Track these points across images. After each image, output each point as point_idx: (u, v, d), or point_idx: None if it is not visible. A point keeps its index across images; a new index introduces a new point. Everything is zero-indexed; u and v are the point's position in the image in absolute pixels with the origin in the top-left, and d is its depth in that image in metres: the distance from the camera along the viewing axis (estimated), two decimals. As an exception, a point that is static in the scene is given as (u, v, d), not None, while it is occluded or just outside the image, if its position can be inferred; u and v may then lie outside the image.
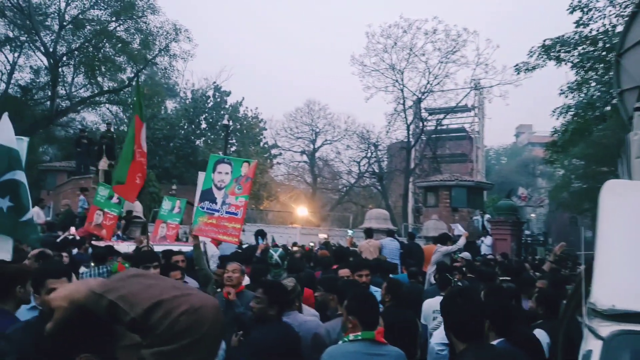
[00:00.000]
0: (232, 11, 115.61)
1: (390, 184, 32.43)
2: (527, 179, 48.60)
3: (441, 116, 30.12)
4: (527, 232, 18.92)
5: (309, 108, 37.12)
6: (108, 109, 27.73)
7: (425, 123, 29.22)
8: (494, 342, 2.84)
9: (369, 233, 9.19)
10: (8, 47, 23.31)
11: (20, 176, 4.64)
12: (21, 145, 5.06)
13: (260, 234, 9.28)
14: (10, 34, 22.88)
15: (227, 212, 5.85)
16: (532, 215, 40.74)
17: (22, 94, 24.00)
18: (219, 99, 30.33)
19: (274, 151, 35.02)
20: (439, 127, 30.55)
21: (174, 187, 19.98)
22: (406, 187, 28.16)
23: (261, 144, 32.11)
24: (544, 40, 13.69)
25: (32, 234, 4.71)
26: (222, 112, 29.32)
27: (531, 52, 14.04)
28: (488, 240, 15.80)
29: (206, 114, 29.85)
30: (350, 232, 9.72)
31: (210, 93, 30.56)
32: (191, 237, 4.96)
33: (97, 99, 25.65)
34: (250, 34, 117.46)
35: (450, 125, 33.15)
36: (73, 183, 16.07)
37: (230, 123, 26.05)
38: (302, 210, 30.34)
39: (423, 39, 27.09)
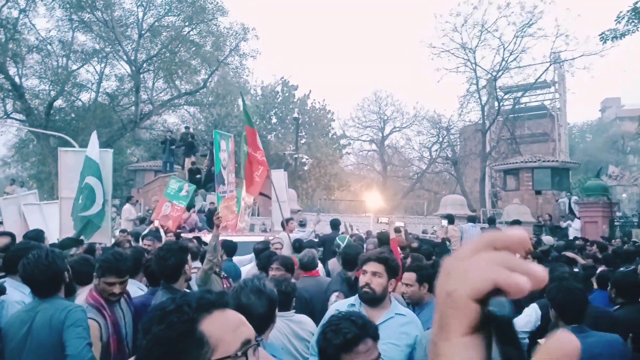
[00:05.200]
0: (296, 6, 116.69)
1: (464, 169, 31.34)
2: (616, 157, 44.69)
3: (519, 94, 28.53)
4: (618, 213, 17.48)
5: (376, 96, 36.75)
6: (186, 110, 29.29)
7: (501, 103, 27.83)
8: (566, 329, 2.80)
9: (452, 219, 9.01)
10: (96, 59, 25.31)
11: (92, 181, 5.93)
12: (108, 156, 6.49)
13: (335, 223, 9.42)
14: (97, 47, 24.83)
15: (230, 191, 6.10)
16: (624, 195, 37.46)
17: (110, 100, 25.99)
18: (287, 94, 30.92)
19: (342, 141, 35.13)
20: (516, 106, 28.96)
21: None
22: (483, 170, 27.06)
23: (330, 134, 32.33)
24: (635, 3, 12.49)
25: (87, 227, 5.93)
26: (290, 106, 29.88)
27: (619, 17, 12.87)
28: (576, 223, 14.84)
29: (276, 109, 30.57)
30: (444, 222, 9.39)
31: (279, 88, 31.22)
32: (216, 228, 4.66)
33: (176, 101, 27.17)
34: (315, 28, 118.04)
35: (529, 104, 31.28)
36: (160, 181, 17.21)
37: (300, 116, 26.47)
38: (373, 199, 30.22)
39: (495, 13, 25.77)
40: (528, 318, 3.53)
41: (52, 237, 6.06)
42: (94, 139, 6.32)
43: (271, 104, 30.28)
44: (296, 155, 23.79)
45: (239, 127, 27.30)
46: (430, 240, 8.88)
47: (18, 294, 2.73)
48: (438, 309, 0.33)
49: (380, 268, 2.62)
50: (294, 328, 2.75)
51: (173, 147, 17.79)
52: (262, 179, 6.25)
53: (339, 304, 2.78)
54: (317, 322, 3.48)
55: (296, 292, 3.16)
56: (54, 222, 6.78)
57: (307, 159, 25.98)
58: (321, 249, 7.62)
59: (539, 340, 3.03)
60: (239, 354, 0.91)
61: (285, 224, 8.09)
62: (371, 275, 2.60)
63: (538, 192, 17.93)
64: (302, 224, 10.79)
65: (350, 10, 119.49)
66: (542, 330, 3.47)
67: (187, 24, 24.76)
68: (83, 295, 3.08)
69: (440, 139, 32.99)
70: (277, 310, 2.13)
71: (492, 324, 0.29)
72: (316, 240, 8.61)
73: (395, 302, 2.66)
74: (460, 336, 0.30)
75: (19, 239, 4.82)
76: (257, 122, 29.40)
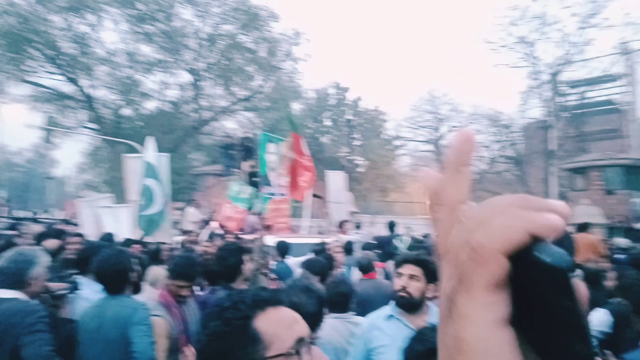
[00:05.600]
0: (346, 7, 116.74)
1: (528, 168, 29.94)
2: (698, 153, 40.87)
3: (584, 89, 26.94)
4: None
5: (431, 96, 36.01)
6: (243, 115, 30.15)
7: (565, 98, 26.39)
8: None
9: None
10: (159, 68, 26.65)
11: (150, 182, 6.45)
12: (164, 159, 6.95)
13: (392, 225, 9.33)
14: (159, 57, 26.15)
15: (280, 194, 6.09)
16: None
17: (173, 108, 27.25)
18: (341, 96, 31.03)
19: (397, 142, 34.72)
20: (582, 102, 27.35)
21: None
22: (546, 170, 25.73)
23: (384, 136, 32.08)
24: None
25: (149, 226, 6.42)
26: (342, 108, 29.96)
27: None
28: (654, 225, 13.77)
29: (330, 112, 30.76)
30: None
31: (331, 91, 31.40)
32: (264, 229, 4.57)
33: (233, 107, 28.03)
34: (364, 28, 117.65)
35: (596, 98, 29.41)
36: (221, 184, 17.82)
37: (353, 118, 26.46)
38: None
39: (556, 5, 24.46)
40: (601, 318, 3.38)
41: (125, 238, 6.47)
42: (150, 144, 6.84)
43: (324, 107, 30.49)
44: (350, 158, 23.78)
45: (294, 129, 27.69)
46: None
47: (88, 290, 2.92)
48: (455, 260, 0.28)
49: (417, 271, 2.43)
50: (352, 329, 2.73)
51: (232, 151, 18.37)
52: (309, 184, 6.31)
53: (374, 315, 2.59)
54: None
55: (354, 293, 3.15)
56: (126, 224, 7.25)
57: (361, 160, 25.89)
58: (379, 250, 7.55)
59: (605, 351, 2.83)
60: (293, 351, 0.91)
61: (340, 225, 8.09)
62: (408, 279, 2.42)
63: (609, 192, 16.79)
64: (358, 226, 10.75)
65: (400, 8, 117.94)
66: (615, 339, 3.27)
67: (242, 31, 25.51)
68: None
69: (501, 137, 31.78)
70: (325, 309, 2.13)
71: (544, 275, 0.26)
72: (374, 242, 8.55)
73: (433, 307, 2.50)
74: (483, 292, 0.27)
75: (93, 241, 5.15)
76: (311, 125, 29.74)
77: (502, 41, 25.76)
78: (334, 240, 6.49)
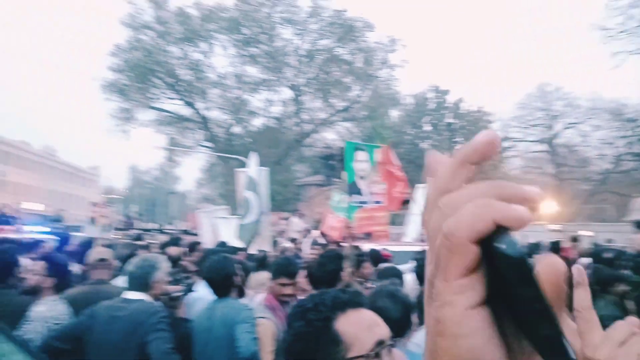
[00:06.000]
0: (441, 8, 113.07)
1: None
2: None
3: None
4: None
5: (542, 91, 33.34)
6: (342, 125, 30.71)
7: None
8: None
9: (641, 225, 7.67)
10: (263, 87, 28.30)
11: (249, 194, 7.20)
12: (264, 173, 7.64)
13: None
14: (264, 76, 27.76)
15: (375, 202, 5.87)
16: None
17: (277, 123, 28.69)
18: (440, 99, 30.15)
19: (505, 144, 32.65)
20: None
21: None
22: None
23: (489, 138, 30.44)
24: None
25: (245, 234, 7.09)
26: (443, 112, 29.05)
27: None
28: None
29: (429, 116, 30.02)
30: None
31: (430, 95, 30.63)
32: (350, 238, 4.50)
33: (332, 118, 28.69)
34: (465, 26, 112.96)
35: None
36: (322, 194, 18.30)
37: (454, 121, 25.51)
38: (546, 206, 27.28)
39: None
40: None
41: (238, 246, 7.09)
42: (253, 159, 7.56)
43: (423, 112, 29.84)
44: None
45: (392, 137, 27.53)
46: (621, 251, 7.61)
47: (205, 292, 3.24)
48: (433, 246, 0.30)
49: None
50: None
51: (332, 161, 18.83)
52: (403, 195, 6.25)
53: None
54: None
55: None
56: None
57: (465, 165, 24.79)
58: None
59: None
60: (372, 353, 0.92)
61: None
62: None
63: None
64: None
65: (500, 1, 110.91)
66: None
67: (338, 44, 26.10)
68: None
69: (626, 132, 28.34)
70: (414, 315, 2.11)
71: (503, 264, 0.27)
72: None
73: None
74: (457, 278, 0.28)
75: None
76: (410, 131, 29.26)
77: (620, 27, 23.12)
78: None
